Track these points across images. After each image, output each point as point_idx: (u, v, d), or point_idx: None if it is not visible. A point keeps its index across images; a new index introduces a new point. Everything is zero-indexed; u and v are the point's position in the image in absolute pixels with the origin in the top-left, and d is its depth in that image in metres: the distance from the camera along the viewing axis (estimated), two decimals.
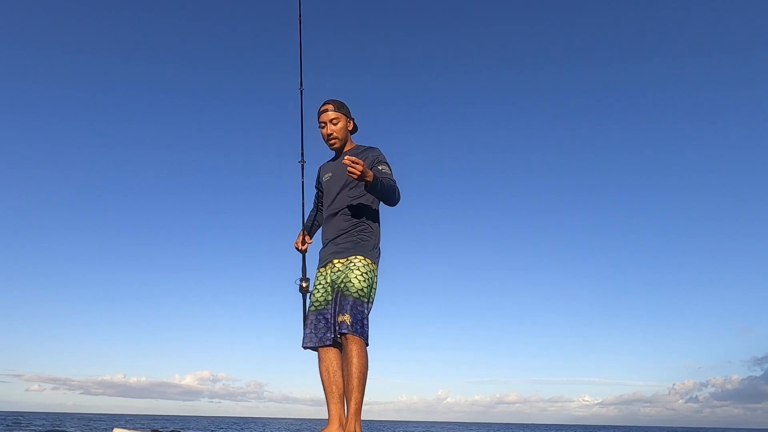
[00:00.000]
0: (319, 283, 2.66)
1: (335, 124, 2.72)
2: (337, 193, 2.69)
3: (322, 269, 2.69)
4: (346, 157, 2.37)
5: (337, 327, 2.45)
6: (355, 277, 2.50)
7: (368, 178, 2.40)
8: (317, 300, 2.62)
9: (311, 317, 2.60)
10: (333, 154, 2.85)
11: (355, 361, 2.37)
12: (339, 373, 2.49)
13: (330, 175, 2.76)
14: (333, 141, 2.73)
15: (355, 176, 2.35)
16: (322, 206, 2.87)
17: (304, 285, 2.68)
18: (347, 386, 2.39)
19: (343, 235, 2.63)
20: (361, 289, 2.49)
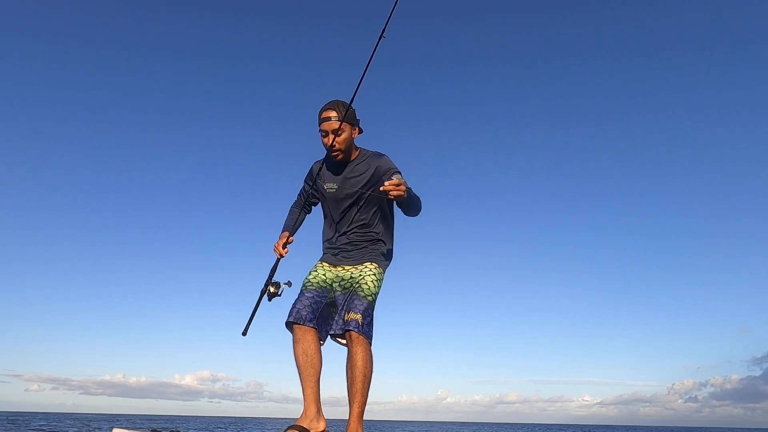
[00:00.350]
0: (317, 272, 2.59)
1: (339, 135, 2.48)
2: (347, 210, 2.58)
3: (327, 264, 2.62)
4: (387, 182, 2.23)
5: (343, 324, 2.38)
6: (371, 280, 2.47)
7: (405, 197, 2.30)
8: (310, 282, 2.56)
9: (306, 294, 2.51)
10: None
11: (360, 363, 2.31)
12: (317, 357, 2.41)
13: (335, 186, 2.59)
14: (336, 153, 2.52)
15: (399, 199, 2.27)
16: (306, 205, 2.79)
17: (272, 290, 2.49)
18: (351, 388, 2.31)
19: (358, 250, 2.58)
20: (374, 294, 2.46)
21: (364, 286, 2.45)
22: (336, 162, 2.59)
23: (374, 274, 2.50)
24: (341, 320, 2.41)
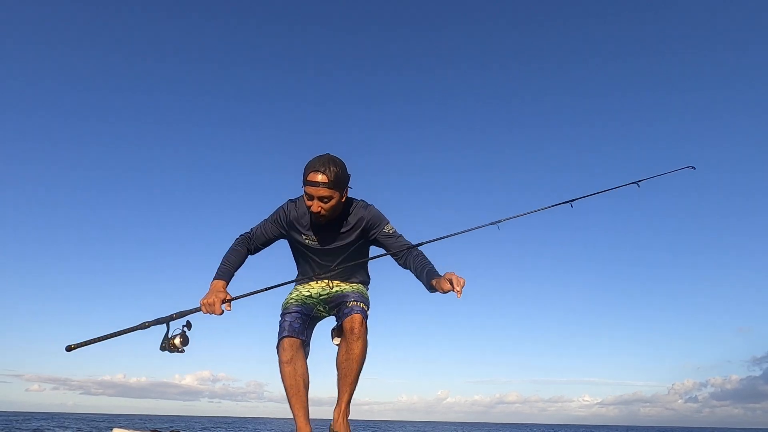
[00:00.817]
0: (300, 291, 2.45)
1: (326, 203, 2.22)
2: (329, 261, 2.41)
3: (308, 284, 2.47)
4: (457, 284, 2.10)
5: (347, 309, 2.25)
6: (365, 291, 2.45)
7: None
8: (293, 299, 2.42)
9: (292, 308, 2.36)
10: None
11: (358, 351, 2.19)
12: (307, 375, 2.29)
13: (316, 239, 2.37)
14: (321, 219, 2.28)
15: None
16: (260, 246, 2.46)
17: (177, 342, 2.08)
18: (346, 376, 2.24)
19: (342, 280, 2.49)
20: (365, 293, 2.44)
21: (354, 285, 2.42)
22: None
23: (365, 290, 2.47)
24: (344, 307, 2.28)
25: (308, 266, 2.46)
